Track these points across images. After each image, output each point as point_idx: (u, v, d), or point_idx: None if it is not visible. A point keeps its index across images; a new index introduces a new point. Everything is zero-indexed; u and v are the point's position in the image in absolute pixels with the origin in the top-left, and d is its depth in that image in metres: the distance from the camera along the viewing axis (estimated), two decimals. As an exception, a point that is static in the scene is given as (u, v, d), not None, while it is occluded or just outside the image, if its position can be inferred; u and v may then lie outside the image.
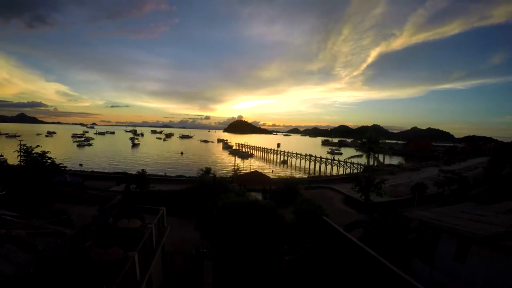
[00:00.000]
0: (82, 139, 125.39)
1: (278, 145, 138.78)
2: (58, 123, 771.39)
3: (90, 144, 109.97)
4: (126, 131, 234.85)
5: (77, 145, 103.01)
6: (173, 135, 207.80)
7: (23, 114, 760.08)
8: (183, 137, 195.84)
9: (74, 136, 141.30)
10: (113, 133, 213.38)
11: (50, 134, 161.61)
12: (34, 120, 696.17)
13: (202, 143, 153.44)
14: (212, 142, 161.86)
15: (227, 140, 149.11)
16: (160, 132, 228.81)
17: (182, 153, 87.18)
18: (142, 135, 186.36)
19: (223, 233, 14.52)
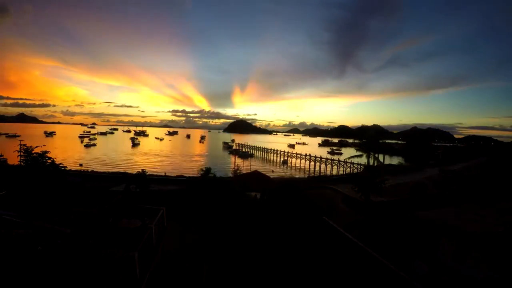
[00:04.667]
0: (88, 139, 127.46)
1: (293, 145, 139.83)
2: (58, 123, 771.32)
3: (95, 145, 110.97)
4: (124, 131, 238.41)
5: (84, 146, 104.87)
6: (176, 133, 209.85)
7: (23, 114, 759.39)
8: (202, 138, 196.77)
9: (81, 136, 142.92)
10: (112, 133, 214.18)
11: (49, 134, 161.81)
12: (34, 120, 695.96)
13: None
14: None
15: (233, 141, 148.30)
16: (173, 133, 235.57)
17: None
18: (139, 134, 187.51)
19: (222, 234, 14.53)
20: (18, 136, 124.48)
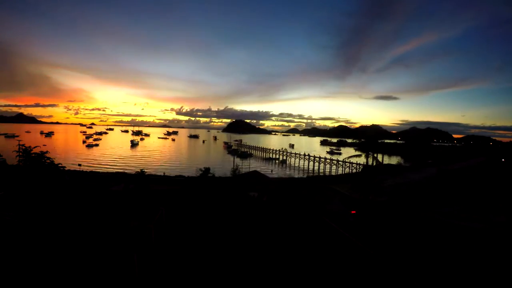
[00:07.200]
0: (92, 139, 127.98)
1: (292, 145, 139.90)
2: (57, 123, 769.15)
3: (97, 145, 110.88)
4: (122, 131, 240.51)
5: (86, 146, 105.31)
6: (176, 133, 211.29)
7: (21, 114, 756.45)
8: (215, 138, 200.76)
9: (87, 138, 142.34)
10: (106, 133, 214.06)
11: (48, 134, 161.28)
12: (32, 120, 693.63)
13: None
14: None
15: (240, 141, 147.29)
16: (172, 133, 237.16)
17: None
18: (137, 134, 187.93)
19: (222, 233, 14.53)
20: (17, 136, 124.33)
